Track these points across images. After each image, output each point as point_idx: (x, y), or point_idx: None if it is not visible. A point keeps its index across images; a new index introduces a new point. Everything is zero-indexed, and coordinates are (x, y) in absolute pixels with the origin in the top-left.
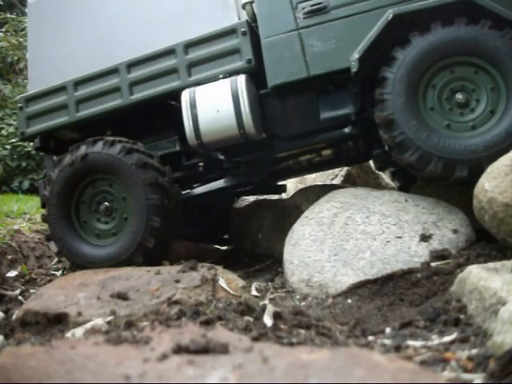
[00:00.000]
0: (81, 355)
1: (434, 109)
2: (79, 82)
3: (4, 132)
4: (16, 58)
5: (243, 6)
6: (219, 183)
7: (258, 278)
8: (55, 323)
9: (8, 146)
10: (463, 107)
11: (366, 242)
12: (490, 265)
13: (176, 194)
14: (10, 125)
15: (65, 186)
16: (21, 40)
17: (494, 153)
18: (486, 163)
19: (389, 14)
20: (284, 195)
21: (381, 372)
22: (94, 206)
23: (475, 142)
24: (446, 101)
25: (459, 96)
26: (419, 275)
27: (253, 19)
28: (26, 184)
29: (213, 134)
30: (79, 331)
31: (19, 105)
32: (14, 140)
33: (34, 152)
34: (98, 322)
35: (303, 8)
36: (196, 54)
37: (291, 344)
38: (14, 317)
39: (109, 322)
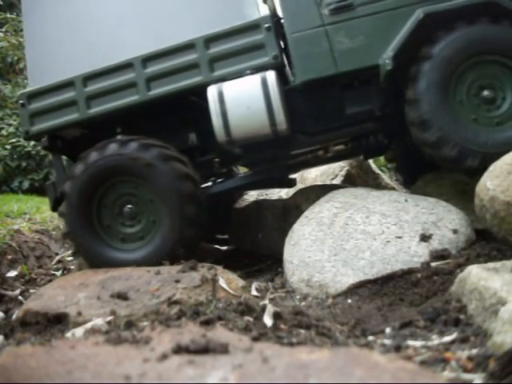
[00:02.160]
0: (81, 355)
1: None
2: (89, 78)
3: (4, 132)
4: (16, 57)
5: (264, 0)
6: (238, 180)
7: (258, 278)
8: (55, 323)
9: (8, 146)
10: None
11: (366, 242)
12: (490, 265)
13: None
14: (10, 125)
15: (99, 174)
16: (21, 40)
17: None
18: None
19: (420, 12)
20: (284, 195)
21: (381, 372)
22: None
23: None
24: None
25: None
26: (419, 275)
27: (273, 14)
28: (25, 184)
29: (244, 131)
30: (79, 331)
31: (21, 101)
32: (13, 140)
33: (33, 152)
34: (98, 322)
35: (329, 4)
36: (218, 48)
37: (291, 344)
38: (14, 317)
39: (109, 322)
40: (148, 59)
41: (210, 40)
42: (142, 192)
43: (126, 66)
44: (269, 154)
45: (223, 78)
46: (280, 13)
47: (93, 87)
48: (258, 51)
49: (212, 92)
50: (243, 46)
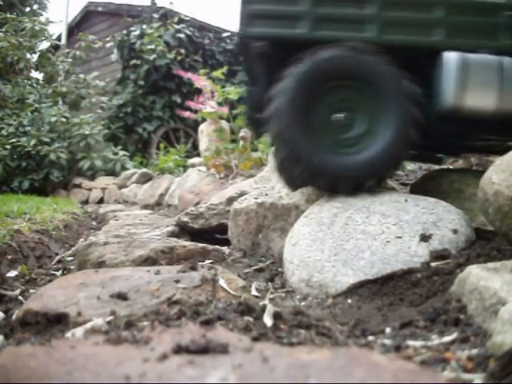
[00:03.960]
0: (81, 355)
1: None
2: None
3: (4, 132)
4: (16, 57)
5: None
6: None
7: (257, 278)
8: (55, 323)
9: (8, 146)
10: None
11: (366, 242)
12: (490, 265)
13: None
14: (10, 125)
15: (323, 74)
16: (21, 40)
17: None
18: None
19: None
20: (284, 195)
21: (381, 372)
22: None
23: None
24: None
25: None
26: (419, 275)
27: None
28: (25, 184)
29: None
30: (79, 331)
31: None
32: (13, 140)
33: (33, 152)
34: (98, 321)
35: None
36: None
37: (291, 344)
38: (14, 317)
39: (109, 322)
40: (389, 2)
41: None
42: (363, 95)
43: None
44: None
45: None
46: None
47: (324, 9)
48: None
49: (453, 60)
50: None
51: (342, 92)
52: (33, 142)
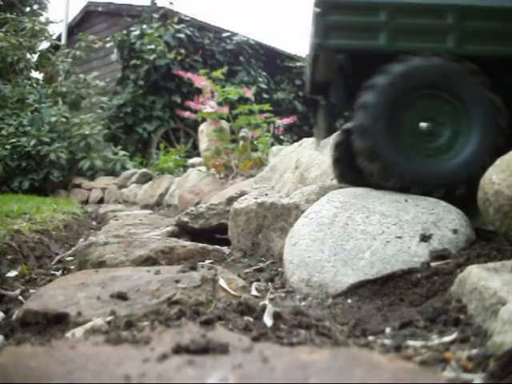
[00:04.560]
0: (81, 355)
1: None
2: (400, 9)
3: (4, 132)
4: (16, 57)
5: None
6: None
7: (258, 278)
8: (55, 323)
9: (8, 146)
10: None
11: (366, 242)
12: (490, 265)
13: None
14: (10, 125)
15: (413, 82)
16: (21, 40)
17: None
18: None
19: None
20: (283, 195)
21: (381, 372)
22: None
23: None
24: None
25: None
26: (419, 275)
27: None
28: (25, 184)
29: None
30: (79, 331)
31: (318, 10)
32: (13, 140)
33: (33, 152)
34: (98, 321)
35: None
36: None
37: (291, 344)
38: (14, 317)
39: (109, 322)
40: (467, 13)
41: None
42: (450, 105)
43: (440, 10)
44: None
45: None
46: None
47: (404, 20)
48: None
49: None
50: None
51: (430, 100)
52: (33, 142)
